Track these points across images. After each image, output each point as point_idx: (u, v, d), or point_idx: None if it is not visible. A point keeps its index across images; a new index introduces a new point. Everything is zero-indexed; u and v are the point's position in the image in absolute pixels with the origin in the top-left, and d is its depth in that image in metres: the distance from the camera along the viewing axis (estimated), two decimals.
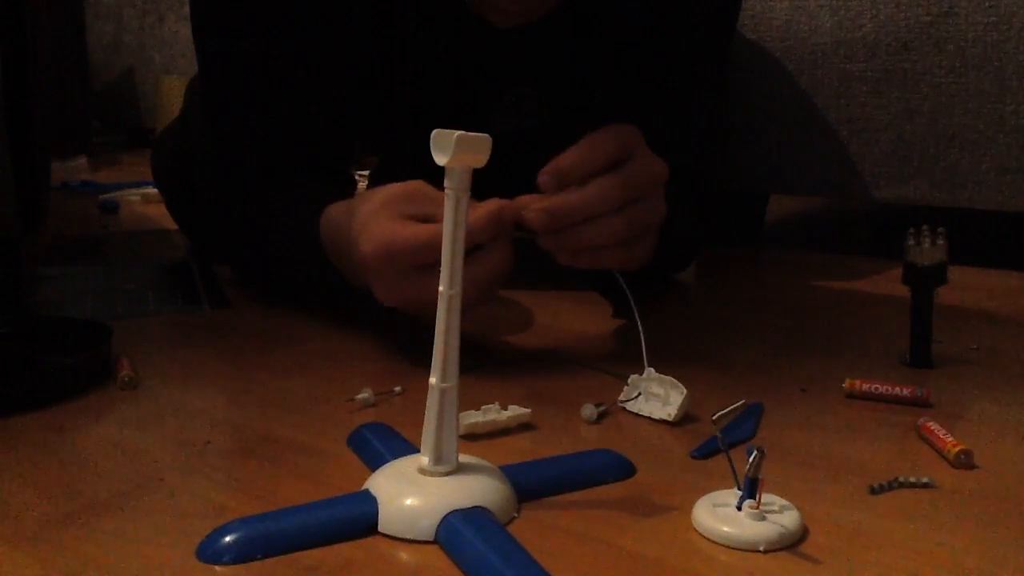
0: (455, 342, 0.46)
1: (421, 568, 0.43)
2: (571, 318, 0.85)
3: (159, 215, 1.38)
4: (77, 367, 0.65)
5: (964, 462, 0.53)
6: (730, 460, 0.47)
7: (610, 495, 0.50)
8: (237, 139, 0.84)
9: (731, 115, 1.18)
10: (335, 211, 0.71)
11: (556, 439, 0.57)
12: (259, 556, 0.43)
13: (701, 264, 1.09)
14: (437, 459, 0.47)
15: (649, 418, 0.60)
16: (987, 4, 1.03)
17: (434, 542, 0.44)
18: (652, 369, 0.62)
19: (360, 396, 0.62)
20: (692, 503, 0.47)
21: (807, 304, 0.94)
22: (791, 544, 0.44)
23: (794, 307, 0.92)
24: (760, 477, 0.45)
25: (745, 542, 0.44)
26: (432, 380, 0.46)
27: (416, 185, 0.64)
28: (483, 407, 0.58)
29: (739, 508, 0.45)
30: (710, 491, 0.48)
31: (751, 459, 0.45)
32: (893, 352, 0.73)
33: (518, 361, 0.73)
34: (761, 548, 0.44)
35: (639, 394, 0.61)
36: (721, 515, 0.45)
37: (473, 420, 0.57)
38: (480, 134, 0.45)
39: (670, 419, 0.59)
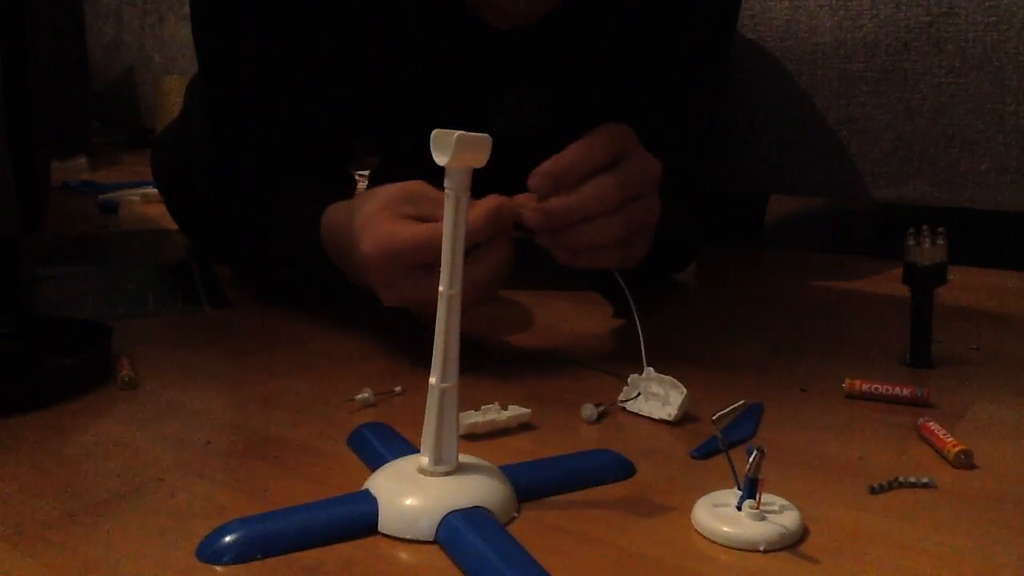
0: (455, 342, 0.46)
1: (421, 568, 0.43)
2: (571, 318, 0.85)
3: (159, 215, 1.38)
4: (77, 367, 0.65)
5: (964, 462, 0.53)
6: (730, 460, 0.47)
7: (610, 495, 0.50)
8: (237, 139, 0.84)
9: (731, 115, 1.18)
10: (335, 211, 0.71)
11: (556, 439, 0.57)
12: (259, 556, 0.43)
13: (701, 264, 1.09)
14: (437, 459, 0.47)
15: (649, 418, 0.60)
16: (987, 4, 1.03)
17: (434, 542, 0.44)
18: (651, 369, 0.62)
19: (360, 396, 0.62)
20: (692, 503, 0.47)
21: (807, 304, 0.94)
22: (791, 544, 0.44)
23: (794, 307, 0.92)
24: (760, 477, 0.45)
25: (745, 542, 0.44)
26: (432, 380, 0.46)
27: (416, 185, 0.64)
28: (483, 407, 0.58)
29: (739, 508, 0.45)
30: (710, 491, 0.48)
31: (751, 459, 0.45)
32: (893, 352, 0.73)
33: (518, 361, 0.73)
34: (761, 548, 0.44)
35: (639, 394, 0.61)
36: (721, 515, 0.45)
37: (473, 420, 0.57)
38: (480, 134, 0.45)
39: (670, 419, 0.59)
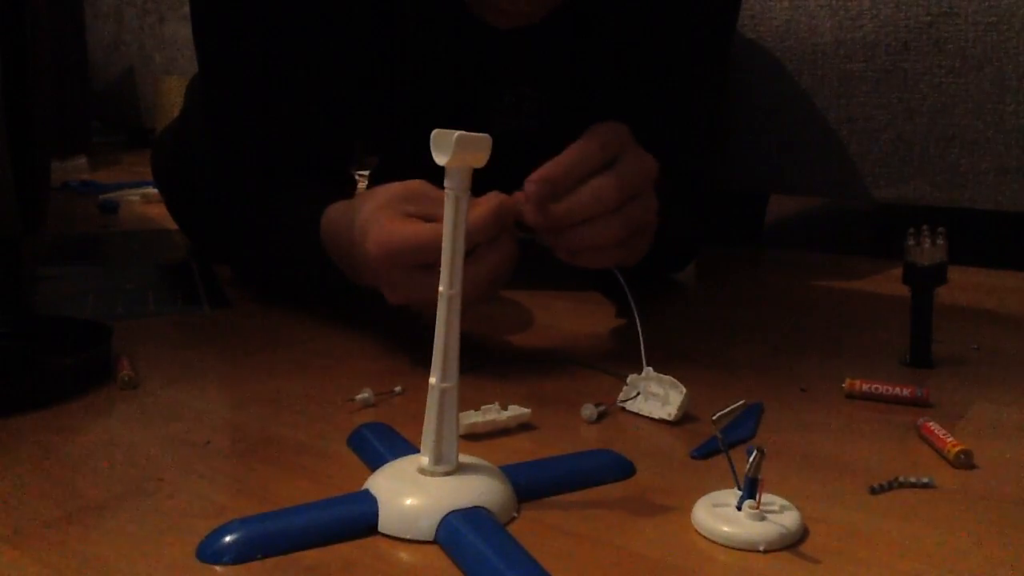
0: (455, 342, 0.46)
1: (421, 568, 0.43)
2: (571, 318, 0.85)
3: (159, 215, 1.38)
4: (77, 367, 0.65)
5: (964, 462, 0.53)
6: (730, 460, 0.47)
7: (610, 495, 0.50)
8: (237, 139, 0.84)
9: (731, 115, 1.18)
10: (336, 211, 0.71)
11: (556, 439, 0.57)
12: (259, 556, 0.43)
13: (701, 264, 1.09)
14: (437, 459, 0.47)
15: (649, 418, 0.60)
16: (987, 4, 1.03)
17: (434, 542, 0.44)
18: (651, 368, 0.62)
19: (360, 396, 0.62)
20: (692, 503, 0.47)
21: (807, 304, 0.94)
22: (791, 544, 0.44)
23: (794, 307, 0.92)
24: (760, 477, 0.45)
25: (745, 542, 0.44)
26: (432, 380, 0.46)
27: (418, 184, 0.64)
28: (483, 407, 0.58)
29: (739, 508, 0.45)
30: (710, 491, 0.48)
31: (751, 459, 0.45)
32: (893, 352, 0.73)
33: (518, 361, 0.73)
34: (761, 548, 0.44)
35: (638, 393, 0.61)
36: (721, 515, 0.45)
37: (473, 420, 0.57)
38: (480, 134, 0.45)
39: (670, 418, 0.59)
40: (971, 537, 0.45)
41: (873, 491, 0.50)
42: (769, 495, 0.46)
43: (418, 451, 0.48)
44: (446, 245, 0.46)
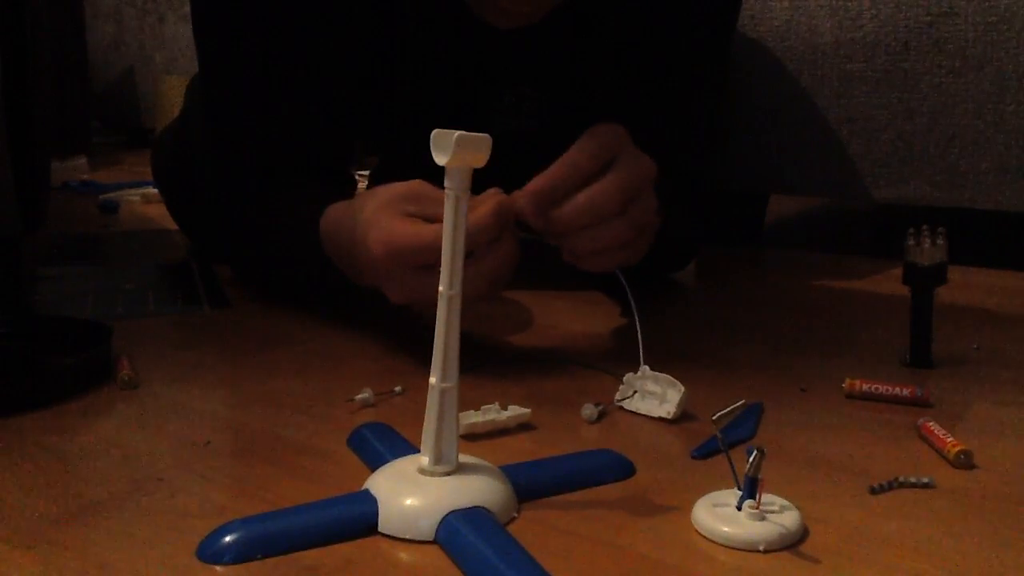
0: (455, 342, 0.46)
1: (421, 568, 0.43)
2: (571, 318, 0.85)
3: (159, 215, 1.38)
4: (77, 367, 0.65)
5: (964, 462, 0.53)
6: (730, 460, 0.47)
7: (610, 495, 0.50)
8: (237, 139, 0.84)
9: (731, 115, 1.18)
10: (336, 211, 0.71)
11: (556, 439, 0.57)
12: (259, 556, 0.43)
13: (701, 264, 1.09)
14: (437, 459, 0.47)
15: (647, 416, 0.60)
16: (987, 4, 1.03)
17: (434, 542, 0.44)
18: (647, 367, 0.62)
19: (360, 396, 0.62)
20: (692, 503, 0.47)
21: (807, 304, 0.94)
22: (791, 544, 0.44)
23: (794, 307, 0.92)
24: (760, 477, 0.45)
25: (745, 542, 0.44)
26: (432, 380, 0.46)
27: (418, 185, 0.64)
28: (483, 407, 0.58)
29: (739, 508, 0.45)
30: (710, 491, 0.48)
31: (751, 459, 0.45)
32: (893, 352, 0.73)
33: (518, 361, 0.73)
34: (761, 548, 0.44)
35: (635, 392, 0.62)
36: (721, 515, 0.45)
37: (473, 420, 0.57)
38: (480, 134, 0.45)
39: (668, 417, 0.59)
40: (971, 537, 0.45)
41: (873, 491, 0.50)
42: (769, 495, 0.46)
43: (418, 451, 0.48)
44: (446, 245, 0.46)
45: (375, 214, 0.63)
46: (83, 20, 2.39)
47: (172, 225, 1.20)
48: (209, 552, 0.43)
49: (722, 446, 0.47)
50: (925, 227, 0.69)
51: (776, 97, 1.16)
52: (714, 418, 0.46)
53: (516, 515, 0.47)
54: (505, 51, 0.83)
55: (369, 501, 0.46)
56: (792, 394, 0.65)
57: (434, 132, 0.45)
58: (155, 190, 1.46)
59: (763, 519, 0.45)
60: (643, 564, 0.43)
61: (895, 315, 0.80)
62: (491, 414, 0.58)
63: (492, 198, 0.61)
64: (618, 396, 0.62)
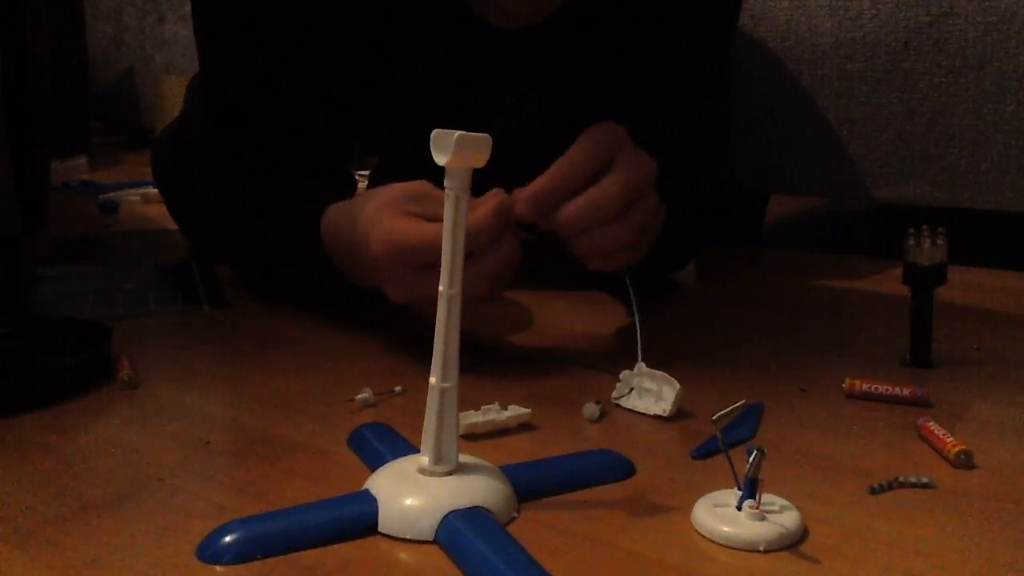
0: (455, 342, 0.46)
1: (421, 568, 0.43)
2: (571, 318, 0.85)
3: (159, 215, 1.38)
4: (77, 367, 0.65)
5: (964, 462, 0.53)
6: (730, 460, 0.47)
7: (610, 495, 0.50)
8: (237, 139, 0.84)
9: (731, 115, 1.18)
10: (336, 211, 0.71)
11: (556, 439, 0.57)
12: (259, 556, 0.43)
13: (701, 264, 1.09)
14: (437, 459, 0.47)
15: (644, 414, 0.60)
16: (987, 4, 1.03)
17: (434, 542, 0.44)
18: (643, 364, 0.62)
19: (360, 396, 0.62)
20: (692, 503, 0.47)
21: (807, 304, 0.94)
22: (791, 544, 0.44)
23: (794, 307, 0.92)
24: (760, 477, 0.45)
25: (745, 542, 0.44)
26: (432, 380, 0.46)
27: (420, 185, 0.64)
28: (483, 407, 0.58)
29: (739, 508, 0.45)
30: (710, 491, 0.48)
31: (751, 459, 0.45)
32: (893, 352, 0.73)
33: (518, 361, 0.73)
34: (761, 548, 0.44)
35: (631, 389, 0.62)
36: (721, 515, 0.45)
37: (473, 420, 0.57)
38: (480, 134, 0.45)
39: (664, 414, 0.59)
40: (971, 537, 0.45)
41: (873, 491, 0.50)
42: (769, 495, 0.46)
43: (418, 451, 0.48)
44: (446, 245, 0.46)
45: (377, 213, 0.63)
46: (83, 20, 2.39)
47: (172, 225, 1.20)
48: (209, 552, 0.43)
49: (722, 446, 0.47)
50: (925, 227, 0.69)
51: (776, 97, 1.16)
52: (714, 418, 0.46)
53: (516, 515, 0.47)
54: (505, 51, 0.83)
55: (369, 501, 0.46)
56: (792, 394, 0.65)
57: (434, 132, 0.45)
58: (155, 190, 1.46)
59: (763, 519, 0.45)
60: (643, 564, 0.43)
61: (895, 315, 0.80)
62: (491, 414, 0.58)
63: (493, 198, 0.61)
64: (615, 394, 0.62)
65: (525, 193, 0.62)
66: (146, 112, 2.56)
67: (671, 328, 0.82)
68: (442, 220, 0.46)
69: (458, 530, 0.43)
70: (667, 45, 0.86)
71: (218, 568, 0.42)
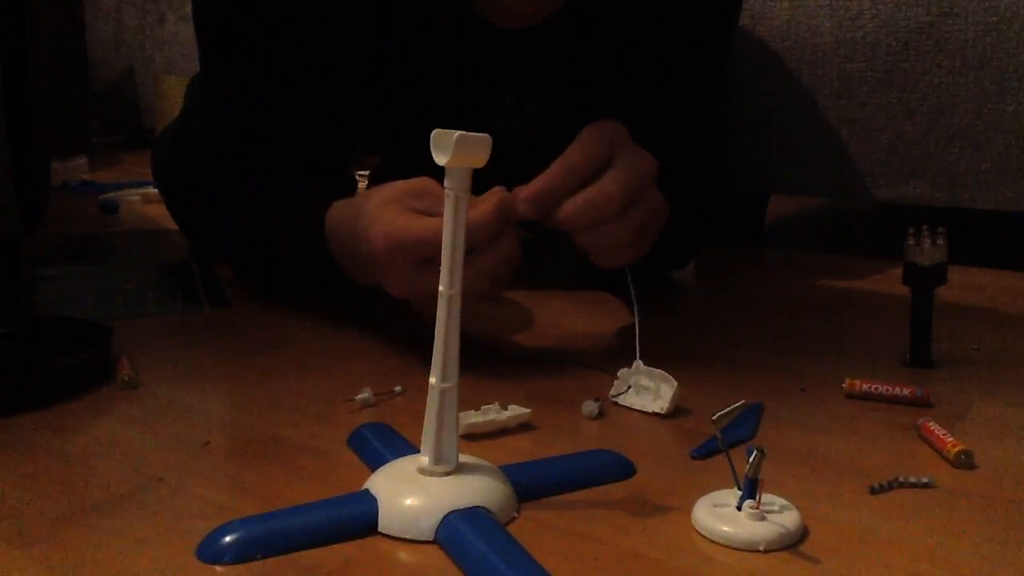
0: (455, 342, 0.46)
1: (421, 568, 0.43)
2: (571, 318, 0.85)
3: (159, 215, 1.38)
4: (77, 367, 0.65)
5: (964, 462, 0.53)
6: (730, 460, 0.47)
7: (610, 495, 0.50)
8: (237, 139, 0.84)
9: (731, 115, 1.18)
10: (338, 209, 0.71)
11: (556, 439, 0.57)
12: (259, 556, 0.43)
13: (701, 264, 1.09)
14: (437, 459, 0.47)
15: (642, 412, 0.60)
16: (987, 4, 1.03)
17: (434, 542, 0.44)
18: (641, 362, 0.62)
19: (360, 396, 0.62)
20: (692, 503, 0.47)
21: (807, 304, 0.94)
22: (791, 544, 0.44)
23: (794, 307, 0.92)
24: (760, 477, 0.45)
25: (745, 542, 0.44)
26: (432, 380, 0.46)
27: (423, 182, 0.64)
28: (483, 407, 0.58)
29: (739, 508, 0.45)
30: (710, 491, 0.48)
31: (751, 459, 0.45)
32: (893, 352, 0.73)
33: (518, 361, 0.73)
34: (761, 548, 0.44)
35: (629, 387, 0.62)
36: (721, 515, 0.45)
37: (473, 420, 0.57)
38: (480, 134, 0.45)
39: (662, 412, 0.60)
40: (971, 537, 0.45)
41: (873, 491, 0.50)
42: (769, 495, 0.46)
43: (418, 451, 0.48)
44: (446, 245, 0.46)
45: (378, 209, 0.63)
46: (83, 20, 2.39)
47: (172, 225, 1.20)
48: (209, 552, 0.43)
49: (722, 446, 0.47)
50: (925, 227, 0.69)
51: (776, 97, 1.16)
52: (714, 418, 0.46)
53: (516, 515, 0.47)
54: (506, 51, 0.83)
55: (369, 501, 0.46)
56: (792, 394, 0.65)
57: (434, 132, 0.45)
58: (155, 190, 1.45)
59: (763, 519, 0.45)
60: (643, 564, 0.43)
61: (895, 315, 0.80)
62: (491, 414, 0.58)
63: (494, 195, 0.61)
64: (612, 391, 0.62)
65: (525, 192, 0.62)
66: (146, 112, 2.56)
67: (671, 328, 0.82)
68: (443, 215, 0.46)
69: (458, 530, 0.43)
70: (667, 45, 0.86)
71: (218, 568, 0.42)
